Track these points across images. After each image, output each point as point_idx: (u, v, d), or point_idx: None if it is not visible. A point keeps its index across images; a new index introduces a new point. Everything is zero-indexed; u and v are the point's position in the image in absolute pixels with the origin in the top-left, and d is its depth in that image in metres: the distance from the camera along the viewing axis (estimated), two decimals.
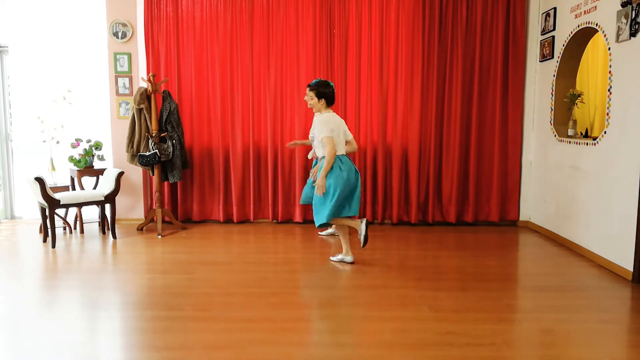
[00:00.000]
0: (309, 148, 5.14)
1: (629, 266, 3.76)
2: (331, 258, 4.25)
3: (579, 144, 4.55)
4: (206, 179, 5.73)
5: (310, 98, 4.09)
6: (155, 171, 5.20)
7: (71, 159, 5.27)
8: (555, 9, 5.00)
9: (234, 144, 5.63)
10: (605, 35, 4.14)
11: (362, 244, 4.07)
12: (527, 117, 5.55)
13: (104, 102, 5.68)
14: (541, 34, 5.32)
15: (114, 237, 5.02)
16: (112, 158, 5.66)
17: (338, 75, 5.47)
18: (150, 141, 5.11)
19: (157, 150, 5.06)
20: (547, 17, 5.14)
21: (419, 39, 5.41)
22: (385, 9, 5.42)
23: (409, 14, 5.40)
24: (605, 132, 4.12)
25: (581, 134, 5.11)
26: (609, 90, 4.07)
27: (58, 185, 5.34)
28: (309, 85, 4.13)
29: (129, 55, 5.55)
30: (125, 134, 5.28)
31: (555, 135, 5.00)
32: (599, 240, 4.21)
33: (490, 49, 5.43)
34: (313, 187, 4.22)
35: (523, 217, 5.66)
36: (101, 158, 5.41)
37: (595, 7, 4.28)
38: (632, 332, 2.91)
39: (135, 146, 5.19)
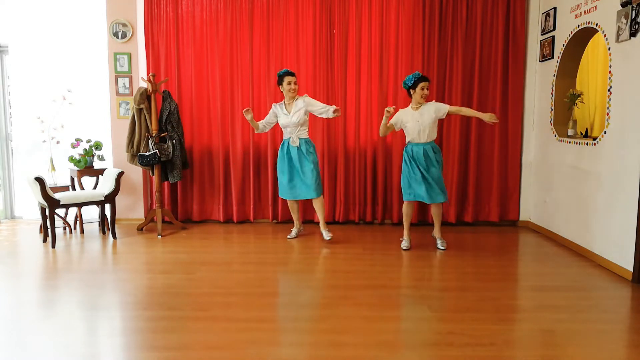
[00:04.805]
0: None
1: (629, 266, 3.75)
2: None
3: (579, 144, 4.55)
4: (206, 179, 5.73)
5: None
6: (155, 171, 5.20)
7: (71, 159, 5.27)
8: (555, 9, 4.99)
9: (234, 144, 5.62)
10: (605, 35, 4.14)
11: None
12: (527, 117, 5.55)
13: (104, 102, 5.68)
14: (541, 34, 5.32)
15: (114, 237, 5.02)
16: (112, 158, 5.66)
17: (338, 74, 5.47)
18: (150, 141, 5.11)
19: (157, 150, 5.06)
20: (547, 17, 5.14)
21: (419, 39, 5.41)
22: (385, 8, 5.42)
23: (409, 13, 5.40)
24: (605, 132, 4.12)
25: (581, 134, 5.10)
26: (609, 90, 4.07)
27: (58, 185, 5.35)
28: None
29: (129, 55, 5.55)
30: (125, 134, 5.28)
31: (555, 135, 5.00)
32: (599, 240, 4.20)
33: (490, 49, 5.43)
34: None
35: (523, 217, 5.66)
36: (101, 158, 5.41)
37: (595, 7, 4.28)
38: (632, 332, 2.91)
39: (135, 146, 5.19)
